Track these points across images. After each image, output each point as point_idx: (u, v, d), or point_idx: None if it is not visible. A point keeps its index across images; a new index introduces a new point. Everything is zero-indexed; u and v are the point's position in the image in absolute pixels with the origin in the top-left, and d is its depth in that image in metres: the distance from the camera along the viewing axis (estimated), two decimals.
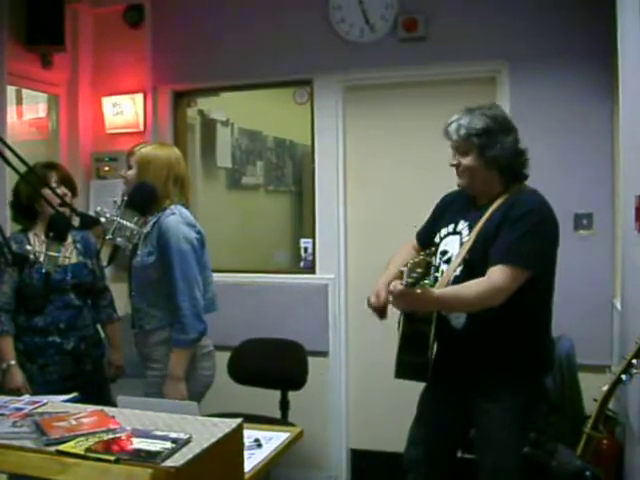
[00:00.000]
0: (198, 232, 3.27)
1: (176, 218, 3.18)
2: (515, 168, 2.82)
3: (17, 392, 3.22)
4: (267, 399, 4.14)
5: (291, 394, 4.15)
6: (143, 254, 3.21)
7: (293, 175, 6.07)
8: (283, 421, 4.03)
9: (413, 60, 4.38)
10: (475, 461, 2.88)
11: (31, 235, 3.52)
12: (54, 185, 3.42)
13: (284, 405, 4.13)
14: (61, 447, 1.72)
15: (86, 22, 5.07)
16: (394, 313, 2.89)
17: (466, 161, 2.80)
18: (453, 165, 2.86)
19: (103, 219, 2.51)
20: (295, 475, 4.35)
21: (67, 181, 3.61)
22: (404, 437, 3.12)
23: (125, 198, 2.56)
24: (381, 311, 2.89)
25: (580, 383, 3.60)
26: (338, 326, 4.62)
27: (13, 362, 3.38)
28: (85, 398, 2.44)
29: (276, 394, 4.15)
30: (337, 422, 4.65)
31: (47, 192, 3.19)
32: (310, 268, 4.75)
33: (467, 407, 2.85)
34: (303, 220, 5.40)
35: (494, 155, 2.76)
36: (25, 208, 3.54)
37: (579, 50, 4.04)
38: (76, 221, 2.60)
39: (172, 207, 3.22)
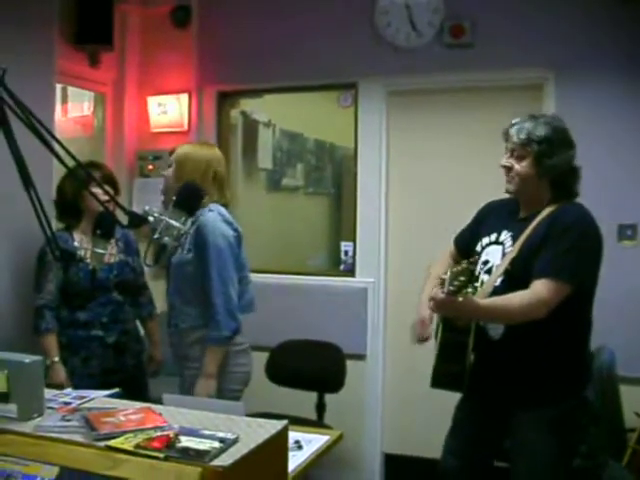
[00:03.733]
0: (235, 230, 3.29)
1: (214, 215, 3.20)
2: (567, 183, 2.79)
3: (59, 387, 3.28)
4: (303, 400, 4.14)
5: (327, 396, 4.15)
6: (181, 251, 3.24)
7: (333, 178, 6.06)
8: (319, 423, 4.04)
9: (459, 66, 4.37)
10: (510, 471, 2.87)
11: (75, 233, 3.56)
12: (95, 185, 3.45)
13: (320, 407, 4.14)
14: (111, 443, 1.74)
15: (134, 22, 5.13)
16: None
17: (520, 166, 2.76)
18: (504, 166, 2.82)
19: (151, 218, 2.52)
20: (329, 477, 4.33)
21: (110, 180, 3.62)
22: (439, 443, 3.12)
23: (173, 198, 2.57)
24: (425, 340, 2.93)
25: (620, 395, 3.57)
26: (376, 330, 4.62)
27: (57, 359, 3.43)
28: (125, 393, 2.47)
29: (312, 395, 4.16)
30: (372, 426, 4.65)
31: (94, 189, 3.24)
32: (350, 271, 4.76)
33: (503, 418, 2.83)
34: (342, 223, 5.39)
35: (550, 165, 2.72)
36: (70, 206, 3.57)
37: (627, 58, 4.01)
38: (124, 220, 2.63)
39: (210, 205, 3.24)
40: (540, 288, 2.61)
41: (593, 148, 3.91)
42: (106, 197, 3.01)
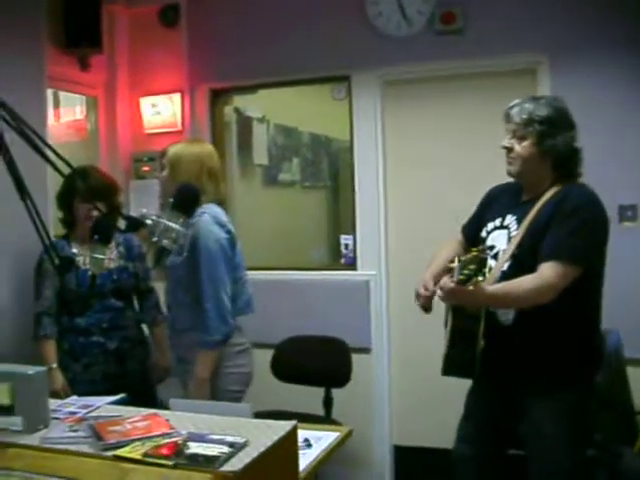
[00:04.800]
0: (228, 232, 3.25)
1: (206, 218, 3.17)
2: (569, 164, 2.77)
3: (57, 395, 3.26)
4: (310, 396, 4.13)
5: (334, 390, 4.14)
6: (174, 253, 3.22)
7: (329, 171, 6.05)
8: (327, 419, 4.02)
9: (451, 53, 4.33)
10: (525, 458, 2.85)
11: (73, 241, 3.56)
12: (79, 200, 3.48)
13: (328, 402, 4.12)
14: (118, 452, 1.72)
15: (122, 23, 5.09)
16: (439, 307, 2.88)
17: (521, 147, 2.75)
18: (505, 147, 2.80)
19: (149, 221, 2.50)
20: (339, 472, 4.32)
21: (98, 191, 3.52)
22: (448, 433, 3.11)
23: (171, 200, 2.55)
24: (427, 304, 2.88)
25: (628, 377, 3.55)
26: (380, 322, 4.60)
27: (54, 365, 3.43)
28: (131, 399, 2.45)
29: (319, 391, 4.14)
30: (380, 419, 4.63)
31: (78, 205, 3.29)
32: (351, 264, 4.74)
33: (516, 404, 2.82)
34: (340, 216, 5.38)
35: (552, 145, 2.71)
36: (64, 216, 3.63)
37: (623, 39, 3.97)
38: (122, 224, 2.61)
39: (204, 206, 3.20)
40: (548, 271, 2.59)
41: (591, 130, 3.84)
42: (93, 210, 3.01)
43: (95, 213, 3.44)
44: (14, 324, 3.66)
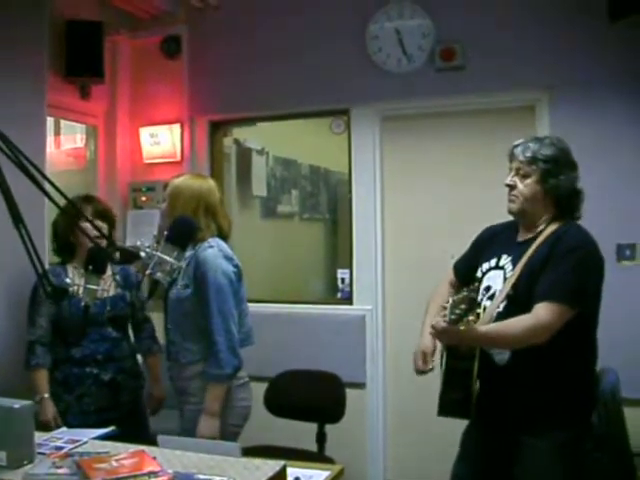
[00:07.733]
0: (235, 266, 3.24)
1: (214, 251, 3.15)
2: (570, 205, 2.77)
3: (48, 425, 3.22)
4: (303, 431, 4.07)
5: (328, 426, 4.09)
6: (179, 287, 3.19)
7: (328, 203, 6.05)
8: (320, 455, 3.97)
9: (450, 90, 4.36)
10: None
11: (70, 268, 3.53)
12: (90, 216, 3.43)
13: (321, 438, 4.06)
14: None
15: (124, 53, 5.12)
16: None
17: (523, 185, 2.74)
18: (507, 185, 2.79)
19: (143, 254, 2.48)
20: None
21: (103, 214, 3.59)
22: (442, 470, 3.07)
23: (165, 233, 2.52)
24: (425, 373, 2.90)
25: (625, 417, 3.51)
26: (375, 358, 4.57)
27: (46, 395, 3.38)
28: (123, 431, 2.41)
29: (312, 426, 4.09)
30: (374, 455, 4.59)
31: (84, 225, 3.22)
32: (347, 299, 4.72)
33: (511, 445, 2.78)
34: (338, 248, 5.36)
35: (555, 185, 2.70)
36: (63, 241, 3.56)
37: (621, 77, 4.00)
38: (116, 255, 2.59)
39: (210, 240, 3.19)
40: (542, 312, 2.57)
41: (589, 168, 3.85)
42: (96, 233, 2.98)
43: (104, 231, 3.47)
44: (10, 352, 3.61)
